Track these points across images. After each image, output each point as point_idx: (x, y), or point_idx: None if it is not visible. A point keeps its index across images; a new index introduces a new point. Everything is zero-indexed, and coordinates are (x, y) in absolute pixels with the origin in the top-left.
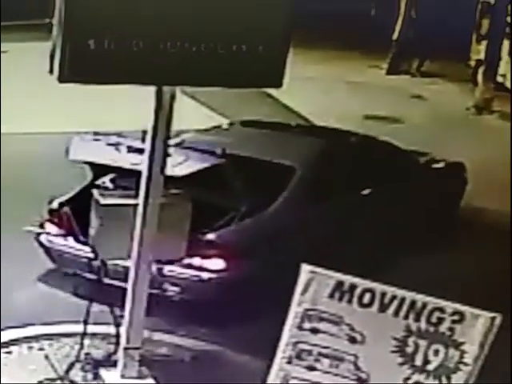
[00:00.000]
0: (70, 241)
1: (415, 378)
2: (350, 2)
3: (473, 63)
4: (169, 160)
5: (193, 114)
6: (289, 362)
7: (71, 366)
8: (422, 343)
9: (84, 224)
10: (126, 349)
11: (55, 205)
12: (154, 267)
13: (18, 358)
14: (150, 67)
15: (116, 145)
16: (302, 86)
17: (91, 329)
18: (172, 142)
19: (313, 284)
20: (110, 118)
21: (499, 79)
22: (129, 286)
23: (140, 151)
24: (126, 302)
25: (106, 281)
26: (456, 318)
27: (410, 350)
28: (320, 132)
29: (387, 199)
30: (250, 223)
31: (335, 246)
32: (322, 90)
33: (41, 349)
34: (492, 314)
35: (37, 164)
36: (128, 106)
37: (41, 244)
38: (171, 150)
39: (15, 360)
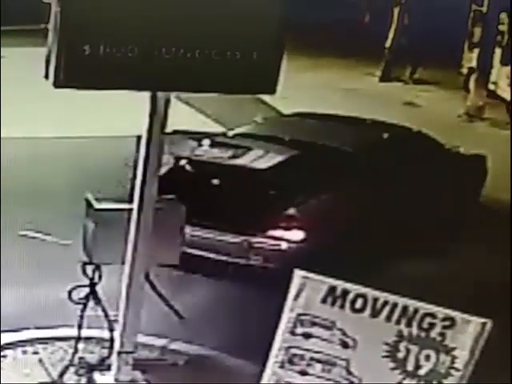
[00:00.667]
0: None
1: (406, 382)
2: (343, 9)
3: (465, 71)
4: (250, 153)
5: (187, 119)
6: (281, 367)
7: (65, 370)
8: (414, 348)
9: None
10: (119, 353)
11: None
12: (241, 239)
13: (13, 362)
14: (145, 73)
15: (199, 140)
16: (296, 93)
17: (85, 333)
18: (231, 133)
19: (305, 289)
20: (107, 123)
21: (491, 87)
22: (123, 290)
23: (222, 145)
24: (120, 305)
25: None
26: (447, 323)
27: (401, 355)
28: (367, 123)
29: (421, 188)
30: (324, 200)
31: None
32: (316, 97)
33: (35, 353)
34: (482, 320)
35: (36, 168)
36: (125, 111)
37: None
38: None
39: (10, 364)
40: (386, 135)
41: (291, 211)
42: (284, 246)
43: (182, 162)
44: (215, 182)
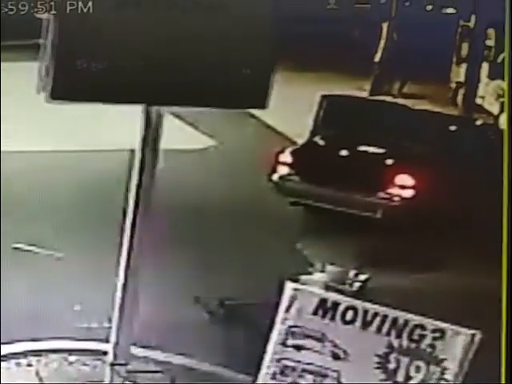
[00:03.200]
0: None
1: None
2: (333, 23)
3: (453, 85)
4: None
5: (177, 133)
6: (273, 378)
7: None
8: (404, 360)
9: (305, 167)
10: (112, 365)
11: (287, 152)
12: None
13: (6, 373)
14: (137, 87)
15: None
16: (286, 107)
17: (79, 345)
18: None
19: (296, 301)
20: (101, 137)
21: (478, 101)
22: (116, 302)
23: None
24: (113, 317)
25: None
26: (437, 334)
27: (391, 366)
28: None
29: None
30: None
31: None
32: (306, 111)
33: (29, 365)
34: (472, 331)
35: (33, 181)
36: (118, 125)
37: (273, 182)
38: None
39: (3, 376)
40: (453, 127)
41: (405, 176)
42: (398, 200)
43: (316, 138)
44: (343, 153)
